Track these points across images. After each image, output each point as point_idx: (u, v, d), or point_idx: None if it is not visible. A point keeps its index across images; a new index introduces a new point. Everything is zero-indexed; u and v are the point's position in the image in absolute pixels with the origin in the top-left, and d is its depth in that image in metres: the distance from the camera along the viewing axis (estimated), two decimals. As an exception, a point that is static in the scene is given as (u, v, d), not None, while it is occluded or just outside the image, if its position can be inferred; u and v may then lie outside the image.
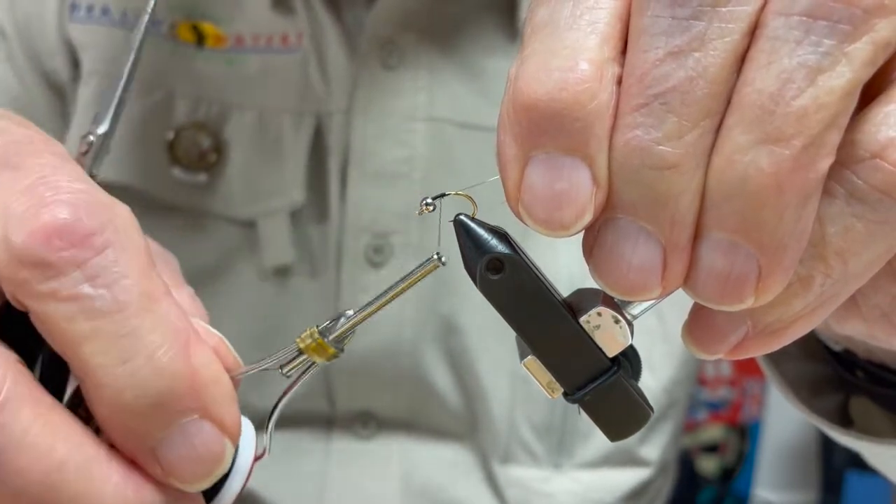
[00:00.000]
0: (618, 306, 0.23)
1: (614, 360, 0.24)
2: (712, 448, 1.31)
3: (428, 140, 0.54)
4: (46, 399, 0.23)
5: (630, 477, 0.59)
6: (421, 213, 0.24)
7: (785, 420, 1.25)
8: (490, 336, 0.55)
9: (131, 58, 0.30)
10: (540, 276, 0.23)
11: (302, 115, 0.54)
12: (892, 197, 0.20)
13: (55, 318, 0.22)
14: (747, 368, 1.27)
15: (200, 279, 0.54)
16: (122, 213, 0.24)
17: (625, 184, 0.21)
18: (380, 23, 0.53)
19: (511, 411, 0.56)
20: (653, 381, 0.57)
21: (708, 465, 1.31)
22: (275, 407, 0.27)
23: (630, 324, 0.24)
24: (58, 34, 0.55)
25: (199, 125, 0.54)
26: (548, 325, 0.23)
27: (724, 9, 0.20)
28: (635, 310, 0.24)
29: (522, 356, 0.24)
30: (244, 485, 0.26)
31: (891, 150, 0.20)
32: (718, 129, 0.20)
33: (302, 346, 0.26)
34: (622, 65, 0.21)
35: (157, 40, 0.54)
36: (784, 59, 0.19)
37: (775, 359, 0.39)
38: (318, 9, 0.53)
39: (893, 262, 0.23)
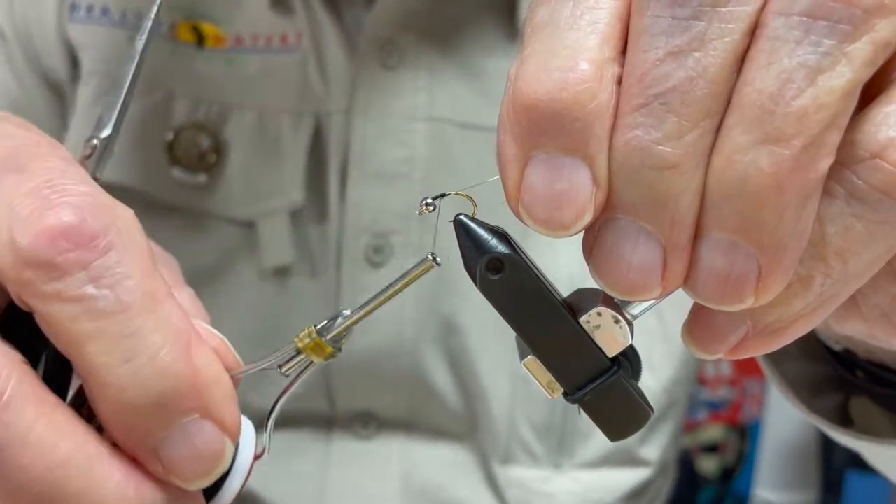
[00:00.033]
0: (618, 306, 0.23)
1: (614, 360, 0.24)
2: (712, 448, 1.31)
3: (428, 140, 0.54)
4: (50, 398, 0.23)
5: (630, 477, 0.59)
6: (421, 213, 0.24)
7: (785, 420, 1.25)
8: (490, 336, 0.55)
9: (135, 62, 0.30)
10: (540, 276, 0.23)
11: (301, 116, 0.54)
12: (892, 197, 0.20)
13: (59, 319, 0.23)
14: (747, 368, 1.27)
15: (200, 279, 0.54)
16: (126, 215, 0.24)
17: (625, 184, 0.21)
18: (379, 23, 0.53)
19: (511, 411, 0.56)
20: (653, 381, 0.57)
21: (708, 465, 1.31)
22: (274, 406, 0.27)
23: (630, 324, 0.24)
24: (57, 34, 0.55)
25: (198, 125, 0.54)
26: (548, 325, 0.23)
27: (724, 9, 0.20)
28: (635, 310, 0.24)
29: (522, 356, 0.24)
30: (244, 483, 0.26)
31: (891, 150, 0.20)
32: (718, 129, 0.20)
33: (300, 345, 0.26)
34: (622, 65, 0.21)
35: (156, 41, 0.54)
36: (784, 59, 0.19)
37: (775, 359, 0.39)
38: (317, 9, 0.53)
39: (893, 262, 0.23)
